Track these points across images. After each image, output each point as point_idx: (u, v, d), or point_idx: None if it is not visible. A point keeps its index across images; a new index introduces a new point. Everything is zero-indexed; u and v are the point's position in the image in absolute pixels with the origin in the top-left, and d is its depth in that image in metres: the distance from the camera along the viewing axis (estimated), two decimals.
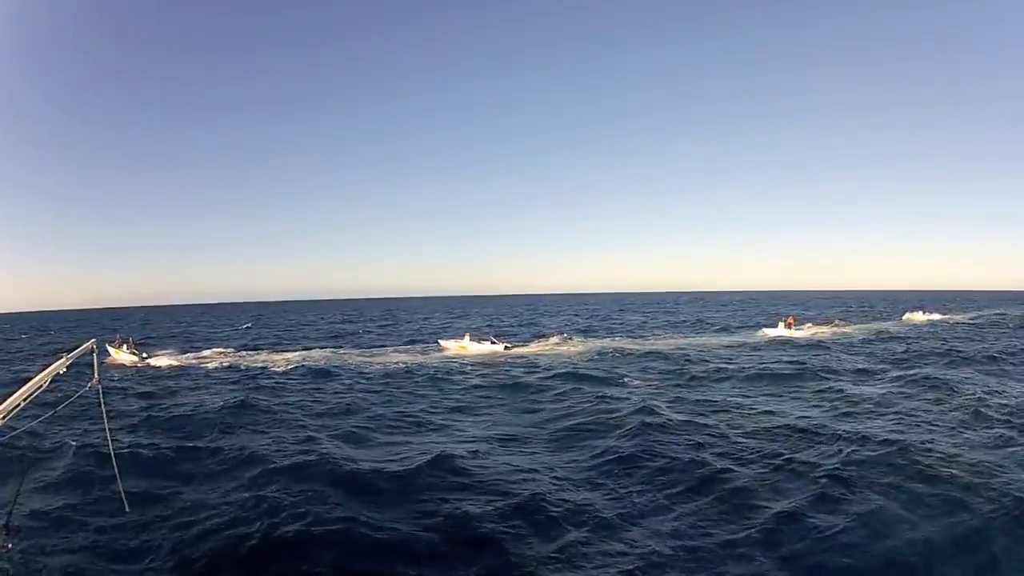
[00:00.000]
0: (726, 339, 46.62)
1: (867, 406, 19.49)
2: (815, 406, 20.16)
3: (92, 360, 8.20)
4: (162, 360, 38.88)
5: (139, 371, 34.73)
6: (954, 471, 12.39)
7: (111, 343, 40.37)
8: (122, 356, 39.07)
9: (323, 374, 30.72)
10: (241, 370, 33.36)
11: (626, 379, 26.50)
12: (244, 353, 43.23)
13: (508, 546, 9.96)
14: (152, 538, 10.55)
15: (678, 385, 25.16)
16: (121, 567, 9.78)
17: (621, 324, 70.29)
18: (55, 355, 7.75)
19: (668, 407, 19.55)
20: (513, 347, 41.89)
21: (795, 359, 31.93)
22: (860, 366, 29.39)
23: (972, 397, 19.90)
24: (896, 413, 18.33)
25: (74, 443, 16.13)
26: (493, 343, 41.06)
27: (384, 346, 46.70)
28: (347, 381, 28.22)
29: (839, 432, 15.71)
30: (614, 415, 18.66)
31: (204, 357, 40.91)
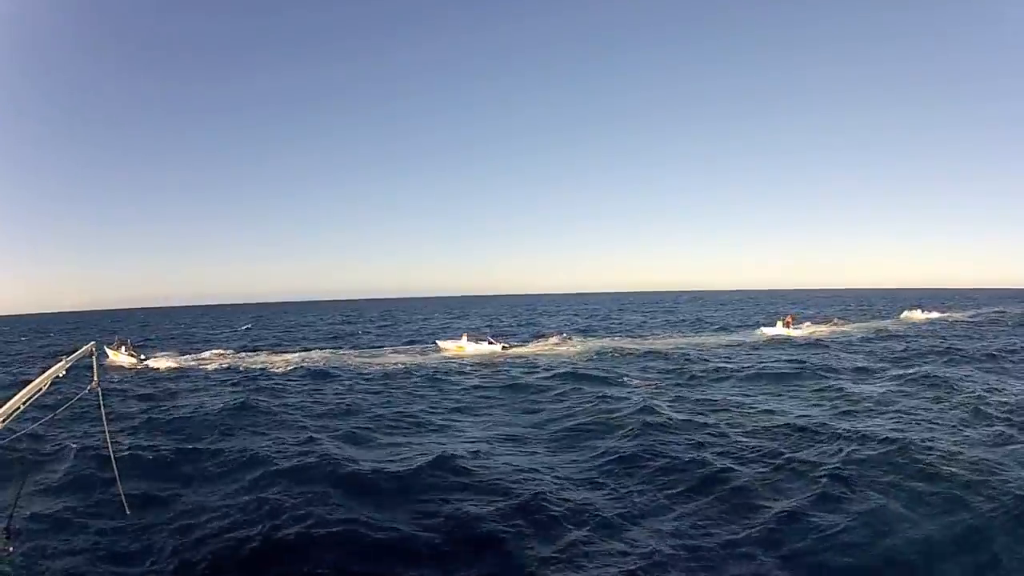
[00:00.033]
0: (725, 338, 46.61)
1: (867, 405, 19.50)
2: (815, 405, 20.16)
3: (91, 363, 8.20)
4: (161, 362, 38.84)
5: (138, 373, 34.70)
6: (954, 469, 12.40)
7: (110, 345, 40.35)
8: (121, 358, 39.08)
9: (323, 375, 30.70)
10: (241, 371, 33.33)
11: (626, 379, 26.49)
12: (244, 354, 43.19)
13: (510, 546, 9.96)
14: (153, 541, 10.53)
15: (678, 384, 25.16)
16: (122, 570, 9.77)
17: (620, 324, 70.26)
18: (55, 358, 7.74)
19: (668, 407, 19.55)
20: (511, 347, 41.90)
21: (794, 358, 31.93)
22: (859, 365, 29.39)
23: (972, 395, 19.89)
24: (896, 412, 18.33)
25: (74, 446, 16.14)
26: (491, 343, 41.06)
27: (383, 347, 46.66)
28: (347, 382, 28.20)
29: (839, 431, 15.72)
30: (614, 415, 18.66)
31: (203, 359, 40.87)
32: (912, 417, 17.56)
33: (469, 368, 32.15)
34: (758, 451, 14.59)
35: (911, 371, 26.14)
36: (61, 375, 7.12)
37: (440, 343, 42.89)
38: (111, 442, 9.88)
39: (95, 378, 8.22)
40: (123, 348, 40.23)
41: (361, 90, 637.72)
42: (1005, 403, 18.82)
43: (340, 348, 46.04)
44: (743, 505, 11.48)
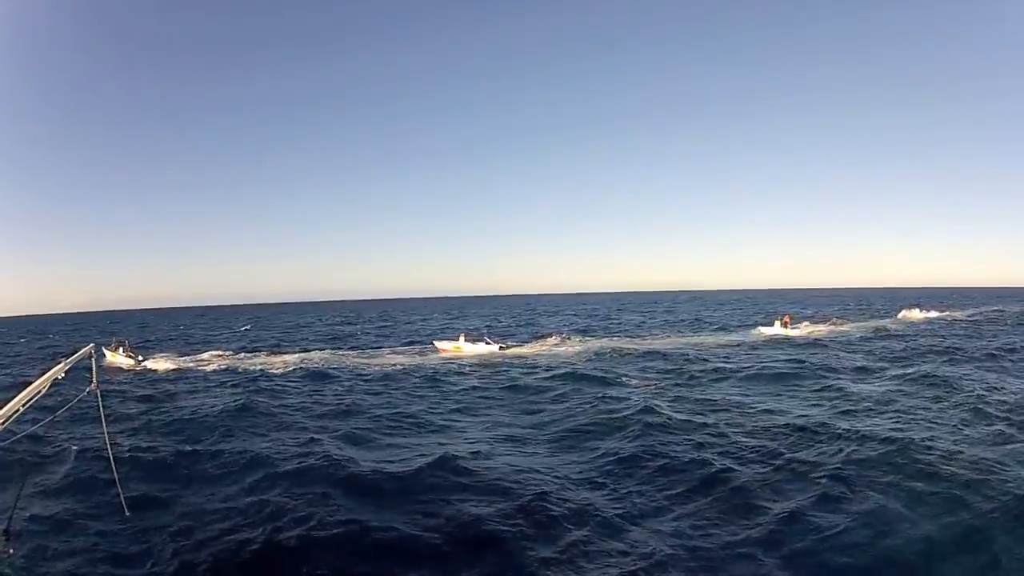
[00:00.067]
0: (724, 338, 46.61)
1: (867, 404, 19.51)
2: (815, 405, 20.17)
3: (91, 364, 8.20)
4: (160, 363, 38.77)
5: (138, 374, 34.69)
6: (955, 469, 12.41)
7: (108, 346, 40.29)
8: (119, 359, 39.05)
9: (322, 376, 30.68)
10: (240, 373, 33.29)
11: (626, 379, 26.49)
12: (243, 355, 43.17)
13: (512, 547, 9.96)
14: (153, 543, 10.52)
15: (677, 385, 25.16)
16: (122, 572, 9.76)
17: (619, 324, 70.29)
18: (54, 359, 7.75)
19: (668, 407, 19.55)
20: (509, 347, 41.93)
21: (794, 358, 31.94)
22: (859, 364, 29.41)
23: (972, 394, 19.89)
24: (896, 411, 18.35)
25: (74, 447, 16.13)
26: (488, 343, 41.07)
27: (382, 348, 46.64)
28: (346, 383, 28.18)
29: (839, 431, 15.71)
30: (614, 415, 18.66)
31: (202, 360, 40.84)
32: (912, 417, 17.57)
33: (468, 369, 32.14)
34: (758, 451, 14.60)
35: (910, 370, 26.15)
36: (60, 377, 7.11)
37: (437, 344, 42.87)
38: (110, 444, 9.86)
39: (94, 380, 8.22)
40: (121, 349, 40.20)
41: (360, 90, 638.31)
42: (1005, 402, 18.83)
43: (339, 349, 46.01)
44: (743, 505, 11.48)
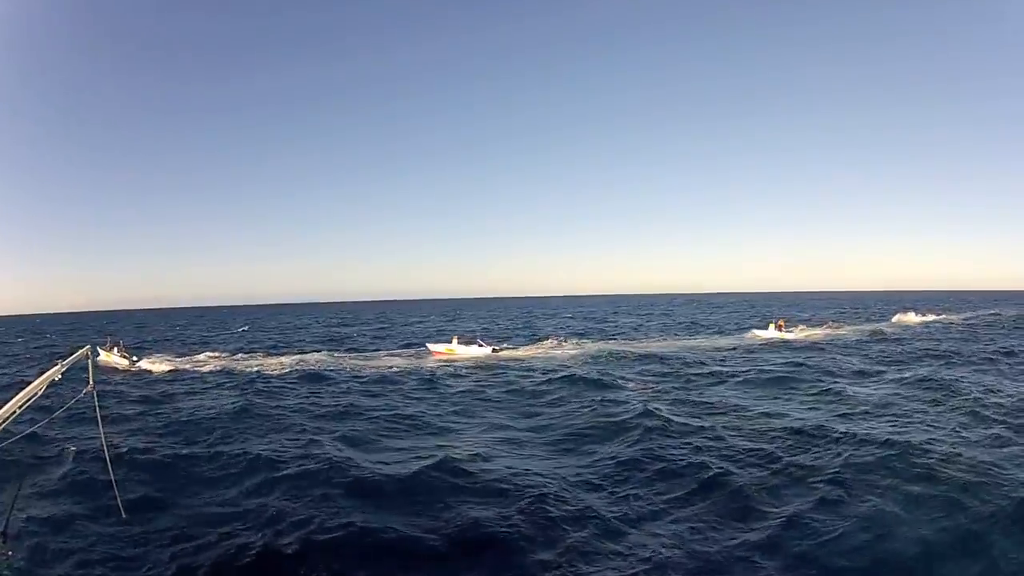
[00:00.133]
0: (721, 341, 46.65)
1: (864, 408, 19.53)
2: (812, 408, 20.19)
3: (87, 366, 8.19)
4: (155, 364, 38.65)
5: (135, 375, 34.60)
6: (953, 472, 12.43)
7: (102, 346, 40.18)
8: (113, 359, 38.92)
9: (320, 378, 30.62)
10: (237, 374, 33.21)
11: (623, 382, 26.46)
12: (240, 356, 43.09)
13: (512, 550, 9.96)
14: (151, 546, 10.46)
15: (675, 388, 25.16)
16: None
17: (616, 327, 70.39)
18: (51, 359, 7.74)
19: (667, 410, 19.52)
20: (502, 350, 41.99)
21: (790, 361, 32.03)
22: (856, 368, 29.47)
23: (969, 398, 19.96)
24: (894, 415, 18.39)
25: (70, 449, 16.08)
26: (481, 346, 41.11)
27: (379, 350, 46.61)
28: (344, 385, 28.14)
29: (837, 434, 15.75)
30: (613, 419, 18.66)
31: (199, 361, 40.77)
32: (910, 420, 17.61)
33: (465, 371, 32.12)
34: (757, 455, 14.60)
35: (908, 374, 26.23)
36: (57, 379, 7.10)
37: (431, 346, 42.92)
38: (107, 445, 9.86)
39: (91, 381, 8.21)
40: (116, 349, 40.09)
41: (360, 90, 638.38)
42: (1002, 405, 18.90)
43: (336, 350, 45.95)
44: (743, 509, 11.49)
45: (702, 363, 33.08)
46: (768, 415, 19.01)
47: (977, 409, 18.36)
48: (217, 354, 44.97)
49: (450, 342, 42.15)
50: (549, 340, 47.93)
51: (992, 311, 79.29)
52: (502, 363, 35.21)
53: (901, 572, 9.17)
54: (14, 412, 6.39)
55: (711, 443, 15.75)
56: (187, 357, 43.16)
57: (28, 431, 9.92)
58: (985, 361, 31.03)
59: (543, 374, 29.41)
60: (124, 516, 10.17)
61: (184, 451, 16.38)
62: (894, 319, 65.10)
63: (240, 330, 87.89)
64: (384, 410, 21.66)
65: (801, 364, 30.57)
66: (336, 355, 42.12)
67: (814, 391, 23.20)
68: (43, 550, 10.31)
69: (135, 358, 39.72)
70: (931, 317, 66.52)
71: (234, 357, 42.89)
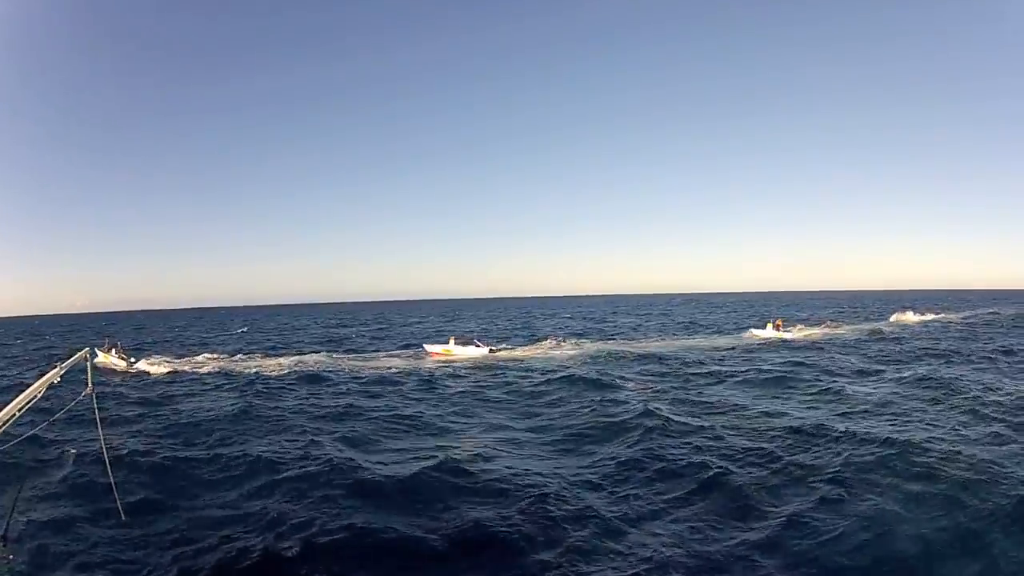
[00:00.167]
0: (720, 341, 46.69)
1: (864, 407, 19.57)
2: (812, 407, 20.20)
3: (86, 368, 8.18)
4: (154, 365, 38.54)
5: (134, 377, 34.51)
6: (953, 471, 12.45)
7: (100, 347, 40.11)
8: (111, 360, 38.85)
9: (319, 379, 30.57)
10: (236, 375, 33.15)
11: (623, 382, 26.44)
12: (238, 358, 43.05)
13: (514, 550, 9.97)
14: (151, 549, 10.43)
15: (675, 388, 25.15)
16: None
17: (615, 327, 70.39)
18: (50, 361, 7.75)
19: (667, 410, 19.52)
20: (500, 350, 42.04)
21: (789, 360, 32.07)
22: (855, 367, 29.49)
23: (968, 397, 20.00)
24: (893, 413, 18.42)
25: (70, 451, 16.04)
26: (478, 346, 41.13)
27: (378, 351, 46.56)
28: (343, 386, 28.12)
29: (837, 433, 15.76)
30: (613, 419, 18.66)
31: (199, 362, 40.70)
32: (909, 419, 17.64)
33: (464, 372, 32.11)
34: (757, 454, 14.61)
35: (907, 373, 26.24)
36: (56, 381, 7.09)
37: (428, 347, 42.94)
38: (106, 448, 9.84)
39: (90, 383, 8.20)
40: (114, 351, 40.02)
41: (360, 90, 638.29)
42: (1002, 404, 18.92)
43: (335, 351, 45.93)
44: (743, 508, 11.49)
45: (701, 363, 33.10)
46: (768, 414, 19.02)
47: (977, 408, 18.40)
48: (216, 355, 44.92)
49: (447, 343, 42.16)
50: (548, 340, 47.91)
51: (990, 310, 79.47)
52: (501, 364, 35.19)
53: (901, 571, 9.17)
54: (13, 415, 6.37)
55: (711, 443, 15.75)
56: (186, 358, 43.12)
57: (28, 433, 9.92)
58: (984, 360, 31.08)
59: (542, 374, 29.39)
60: (124, 518, 10.15)
61: (184, 453, 16.35)
62: (892, 318, 65.14)
63: (239, 331, 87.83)
64: (384, 411, 21.64)
65: (800, 363, 30.62)
66: (335, 356, 42.10)
67: (813, 390, 23.23)
68: (43, 553, 10.28)
69: (133, 359, 39.67)
70: (930, 316, 66.62)
71: (233, 358, 42.85)
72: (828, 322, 60.20)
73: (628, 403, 20.72)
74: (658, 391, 24.29)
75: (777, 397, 22.50)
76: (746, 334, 50.19)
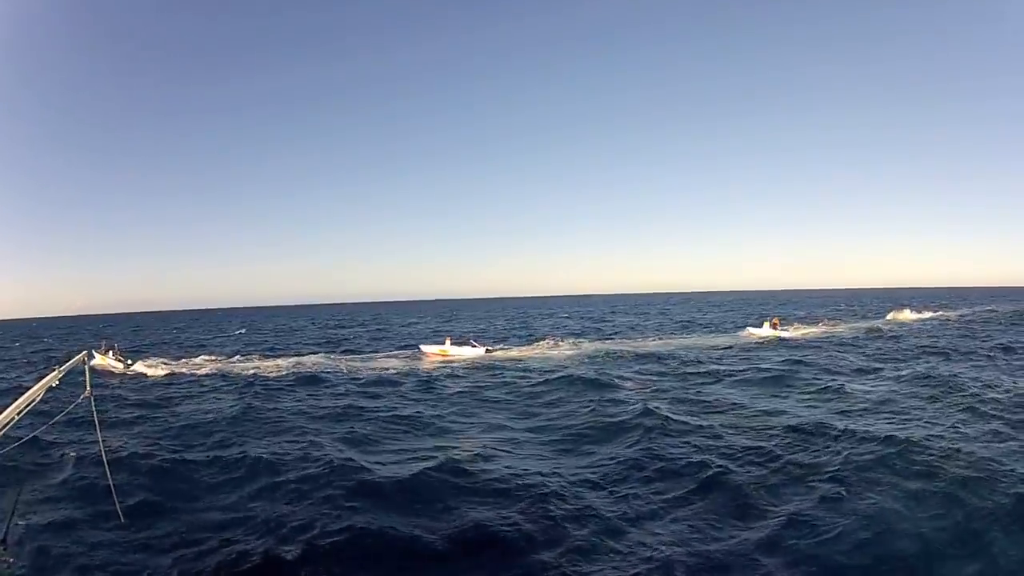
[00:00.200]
0: (718, 340, 46.76)
1: (863, 405, 19.59)
2: (810, 406, 20.21)
3: (85, 371, 8.19)
4: (151, 367, 38.45)
5: (133, 379, 34.42)
6: (953, 468, 12.46)
7: (97, 349, 40.08)
8: (108, 363, 38.80)
9: (317, 380, 30.54)
10: (235, 376, 33.11)
11: (622, 382, 26.45)
12: (237, 359, 43.00)
13: (515, 550, 9.97)
14: (151, 552, 10.40)
15: (673, 387, 25.16)
16: None
17: (613, 326, 70.45)
18: (49, 364, 7.73)
19: (666, 409, 19.52)
20: (496, 350, 42.08)
21: (787, 359, 32.11)
22: (853, 365, 29.53)
23: (967, 394, 20.03)
24: (892, 412, 18.45)
25: (70, 454, 16.01)
26: (474, 347, 41.18)
27: (376, 351, 46.52)
28: (342, 387, 28.10)
29: (836, 432, 15.76)
30: (612, 418, 18.67)
31: (197, 364, 40.61)
32: (909, 417, 17.66)
33: (463, 372, 32.11)
34: (756, 453, 14.62)
35: (905, 371, 26.27)
36: (55, 385, 7.09)
37: (424, 348, 43.03)
38: (104, 450, 9.84)
39: (88, 386, 8.21)
40: (110, 353, 40.00)
41: (360, 90, 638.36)
42: (1001, 401, 18.94)
43: (333, 352, 45.96)
44: (743, 507, 11.50)
45: (699, 361, 33.14)
46: (767, 413, 19.03)
47: (976, 405, 18.42)
48: (214, 357, 44.85)
49: (443, 343, 42.19)
50: (546, 340, 47.91)
51: (988, 307, 79.61)
52: (499, 364, 35.19)
53: (902, 569, 9.17)
54: (13, 419, 6.38)
55: (710, 442, 15.76)
56: (184, 360, 43.02)
57: (28, 436, 9.90)
58: (982, 357, 31.15)
59: (540, 374, 29.39)
60: (124, 521, 10.14)
61: (183, 455, 16.31)
62: (889, 316, 65.20)
63: (237, 333, 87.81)
64: (383, 411, 21.63)
65: (798, 362, 30.65)
66: (333, 357, 42.11)
67: (812, 389, 23.24)
68: (43, 555, 10.26)
69: (129, 361, 39.61)
70: (927, 314, 66.67)
71: (231, 360, 42.80)
72: (825, 320, 60.29)
73: (627, 403, 20.73)
74: (657, 390, 24.30)
75: (776, 396, 22.51)
76: (743, 333, 50.24)
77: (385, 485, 13.05)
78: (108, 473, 9.52)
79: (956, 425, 16.41)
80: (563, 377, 27.44)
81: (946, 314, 68.36)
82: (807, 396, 22.06)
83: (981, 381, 22.76)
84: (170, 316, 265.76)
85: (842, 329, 52.54)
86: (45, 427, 10.18)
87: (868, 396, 20.94)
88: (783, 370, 27.94)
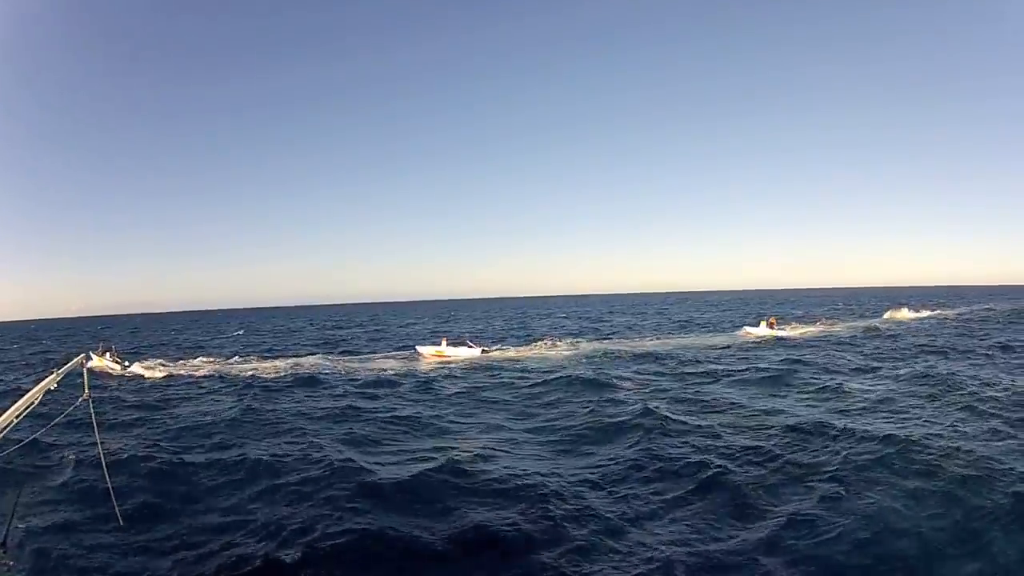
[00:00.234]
0: (715, 339, 46.77)
1: (862, 404, 19.62)
2: (810, 405, 20.23)
3: (83, 373, 8.17)
4: (152, 370, 38.34)
5: (131, 381, 34.35)
6: (951, 467, 12.48)
7: (94, 351, 40.05)
8: (106, 364, 38.76)
9: (316, 381, 30.51)
10: (233, 378, 33.06)
11: (620, 382, 26.46)
12: (235, 360, 42.97)
13: (515, 551, 9.97)
14: (151, 555, 10.38)
15: (672, 387, 25.17)
16: None
17: (611, 326, 70.46)
18: (47, 366, 7.73)
19: (665, 409, 19.53)
20: (492, 350, 42.12)
21: (785, 358, 32.13)
22: (851, 364, 29.56)
23: (966, 392, 20.05)
24: (891, 410, 18.47)
25: (69, 456, 15.98)
26: (470, 347, 41.18)
27: (375, 352, 46.47)
28: (341, 388, 28.06)
29: (835, 431, 15.78)
30: (611, 418, 18.66)
31: (195, 365, 40.54)
32: (907, 415, 17.68)
33: (461, 373, 32.11)
34: (755, 452, 14.63)
35: (904, 370, 26.31)
36: (53, 388, 7.08)
37: (420, 348, 42.96)
38: (103, 453, 9.82)
39: (86, 388, 8.19)
40: (108, 355, 39.95)
41: (360, 90, 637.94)
42: (999, 399, 18.96)
43: (332, 353, 45.91)
44: (743, 507, 11.51)
45: (697, 361, 33.17)
46: (766, 412, 19.04)
47: (974, 404, 18.44)
48: (212, 359, 44.80)
49: (440, 344, 42.18)
50: (544, 340, 47.89)
51: (986, 306, 79.72)
52: (497, 364, 35.17)
53: (901, 568, 9.18)
54: (12, 422, 6.36)
55: (709, 442, 15.76)
56: (183, 362, 42.93)
57: (28, 439, 9.89)
58: (980, 355, 31.19)
59: (539, 375, 29.39)
60: (123, 524, 10.13)
61: (182, 457, 16.27)
62: (887, 315, 65.29)
63: (235, 334, 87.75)
64: (382, 412, 21.62)
65: (796, 361, 30.69)
66: (331, 358, 42.05)
67: (810, 388, 23.27)
68: (42, 558, 10.24)
69: (126, 363, 39.55)
70: (925, 313, 66.72)
71: (229, 361, 42.76)
72: (823, 320, 60.29)
73: (626, 403, 20.75)
74: (655, 390, 24.31)
75: (774, 395, 22.53)
76: (740, 332, 50.25)
77: (385, 486, 13.04)
78: (107, 475, 9.49)
79: (955, 424, 16.43)
80: (561, 377, 27.43)
81: (944, 313, 68.43)
82: (806, 395, 22.09)
83: (979, 379, 22.80)
84: (168, 317, 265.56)
85: (840, 328, 52.58)
86: (44, 430, 10.15)
87: (867, 395, 20.96)
88: (781, 369, 27.95)
